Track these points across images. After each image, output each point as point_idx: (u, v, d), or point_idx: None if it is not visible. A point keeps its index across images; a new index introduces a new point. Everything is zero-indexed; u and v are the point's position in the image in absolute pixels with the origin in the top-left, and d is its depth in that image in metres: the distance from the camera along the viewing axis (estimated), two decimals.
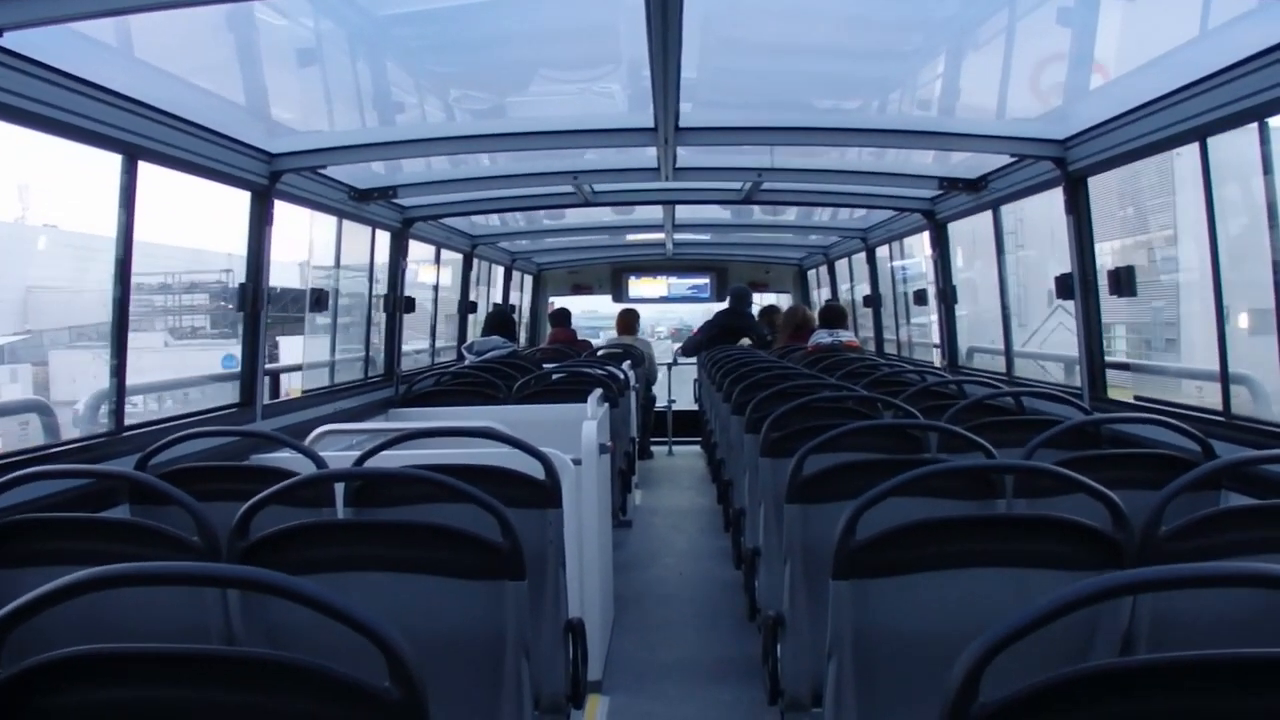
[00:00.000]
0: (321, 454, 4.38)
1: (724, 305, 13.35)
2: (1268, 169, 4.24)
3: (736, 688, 5.17)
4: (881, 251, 11.37)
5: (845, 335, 9.71)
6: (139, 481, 3.64)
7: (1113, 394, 6.11)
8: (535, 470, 3.66)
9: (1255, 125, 4.25)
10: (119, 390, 4.69)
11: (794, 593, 3.50)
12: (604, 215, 11.04)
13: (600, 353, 11.90)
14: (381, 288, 8.50)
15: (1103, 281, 5.94)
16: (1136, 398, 6.16)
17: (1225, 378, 4.75)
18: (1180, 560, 2.60)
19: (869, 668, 2.61)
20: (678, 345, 16.45)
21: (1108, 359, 6.10)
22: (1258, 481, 3.99)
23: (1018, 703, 1.48)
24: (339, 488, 3.69)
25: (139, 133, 4.55)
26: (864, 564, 2.60)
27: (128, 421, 4.77)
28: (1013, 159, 6.56)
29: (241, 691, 1.63)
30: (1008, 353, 7.80)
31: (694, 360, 12.87)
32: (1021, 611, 1.53)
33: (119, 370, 4.68)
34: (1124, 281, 5.65)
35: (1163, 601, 2.69)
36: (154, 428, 4.93)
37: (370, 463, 3.97)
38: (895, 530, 2.61)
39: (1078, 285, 5.95)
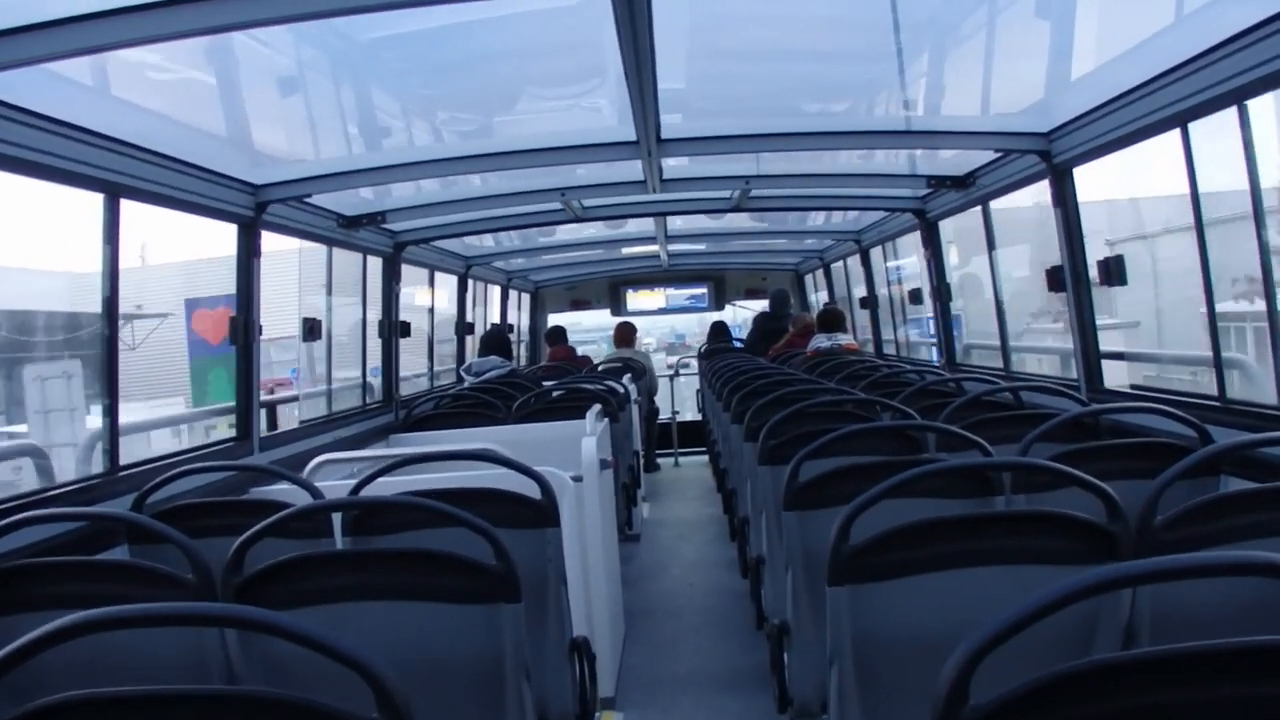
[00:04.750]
0: (320, 484, 4.37)
1: (718, 315, 13.46)
2: (1248, 153, 4.22)
3: (748, 697, 5.15)
4: (876, 253, 11.35)
5: (844, 338, 9.70)
6: (134, 522, 3.63)
7: None
8: (535, 490, 3.65)
9: (1234, 109, 4.23)
10: (112, 430, 4.68)
11: (797, 600, 3.49)
12: (598, 230, 11.03)
13: (600, 368, 11.87)
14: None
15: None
16: (1133, 386, 6.13)
17: (1219, 363, 4.72)
18: (1177, 549, 2.58)
19: (871, 672, 2.59)
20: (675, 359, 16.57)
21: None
22: (1258, 465, 3.95)
23: (1009, 704, 1.45)
24: (337, 518, 3.68)
25: (120, 171, 4.54)
26: (859, 568, 2.58)
27: None
28: (998, 154, 6.55)
29: None
30: (1004, 348, 7.77)
31: (695, 370, 12.90)
32: (1003, 614, 1.51)
33: (111, 410, 4.67)
34: (1114, 271, 5.62)
35: (1163, 592, 2.66)
36: (150, 466, 4.92)
37: (368, 490, 3.96)
38: (887, 533, 2.59)
39: (1069, 277, 5.92)
